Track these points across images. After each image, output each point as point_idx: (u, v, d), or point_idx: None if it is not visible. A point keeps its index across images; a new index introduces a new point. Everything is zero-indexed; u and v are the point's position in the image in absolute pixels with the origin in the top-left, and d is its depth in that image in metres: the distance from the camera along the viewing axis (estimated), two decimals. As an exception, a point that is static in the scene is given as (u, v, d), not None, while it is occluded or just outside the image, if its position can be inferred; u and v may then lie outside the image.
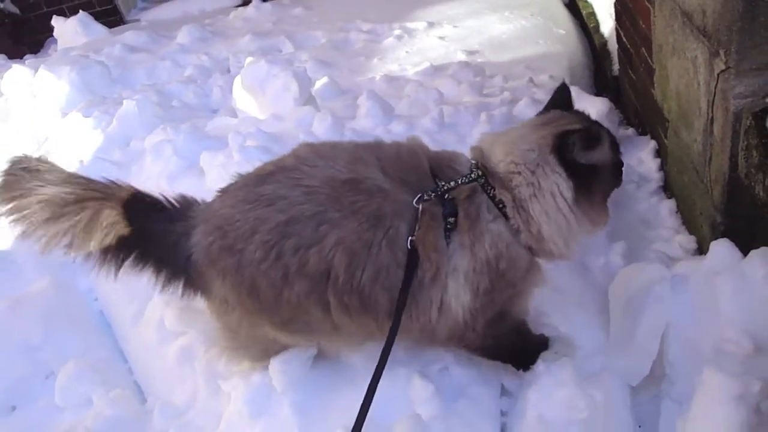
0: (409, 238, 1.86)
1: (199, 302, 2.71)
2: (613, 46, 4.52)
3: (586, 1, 5.69)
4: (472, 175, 1.97)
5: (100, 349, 2.92)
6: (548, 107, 2.19)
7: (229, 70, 5.25)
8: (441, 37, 5.16)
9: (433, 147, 2.18)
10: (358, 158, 1.98)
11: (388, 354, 1.82)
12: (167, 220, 2.08)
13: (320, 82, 4.32)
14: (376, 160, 1.97)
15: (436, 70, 4.49)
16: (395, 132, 3.43)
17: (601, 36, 5.00)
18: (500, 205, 1.94)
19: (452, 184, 1.94)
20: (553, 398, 2.06)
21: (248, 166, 3.08)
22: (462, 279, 1.92)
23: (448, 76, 4.25)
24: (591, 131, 1.97)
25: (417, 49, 5.03)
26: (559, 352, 2.18)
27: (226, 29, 6.24)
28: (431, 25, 5.40)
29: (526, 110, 3.63)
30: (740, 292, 2.00)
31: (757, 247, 2.12)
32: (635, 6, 3.53)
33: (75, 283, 3.34)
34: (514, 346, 2.20)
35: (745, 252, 2.15)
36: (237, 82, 4.08)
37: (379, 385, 2.15)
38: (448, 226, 1.90)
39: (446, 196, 1.92)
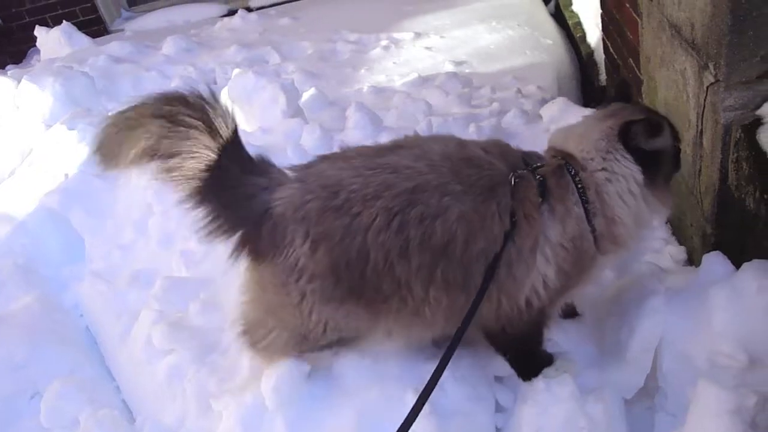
0: (510, 206, 1.92)
1: (190, 318, 2.71)
2: (599, 56, 4.55)
3: (572, 11, 5.72)
4: (554, 158, 2.08)
5: (86, 368, 2.88)
6: (609, 101, 2.25)
7: (215, 82, 5.22)
8: (428, 48, 5.17)
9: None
10: (464, 143, 2.07)
11: (473, 315, 1.84)
12: (243, 169, 1.97)
13: (308, 94, 4.29)
14: (476, 145, 2.07)
15: (424, 80, 4.49)
16: (385, 144, 3.43)
17: (588, 46, 5.03)
18: (579, 186, 2.01)
19: (538, 163, 2.04)
20: (550, 414, 2.05)
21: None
22: (549, 252, 1.98)
23: (436, 87, 4.26)
24: (653, 121, 2.05)
25: (404, 60, 5.04)
26: (560, 368, 2.17)
27: (212, 40, 6.21)
28: (418, 35, 5.41)
29: (515, 121, 3.64)
30: (733, 304, 2.00)
31: (748, 259, 2.12)
32: (622, 17, 3.55)
33: (60, 298, 3.31)
34: (530, 347, 2.22)
35: (736, 263, 2.16)
36: (224, 93, 4.05)
37: (372, 401, 2.13)
38: (540, 201, 1.98)
39: (536, 176, 2.00)
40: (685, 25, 2.35)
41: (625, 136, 2.01)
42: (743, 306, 1.99)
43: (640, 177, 2.02)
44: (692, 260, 2.81)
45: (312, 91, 4.32)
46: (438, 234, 1.86)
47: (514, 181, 1.94)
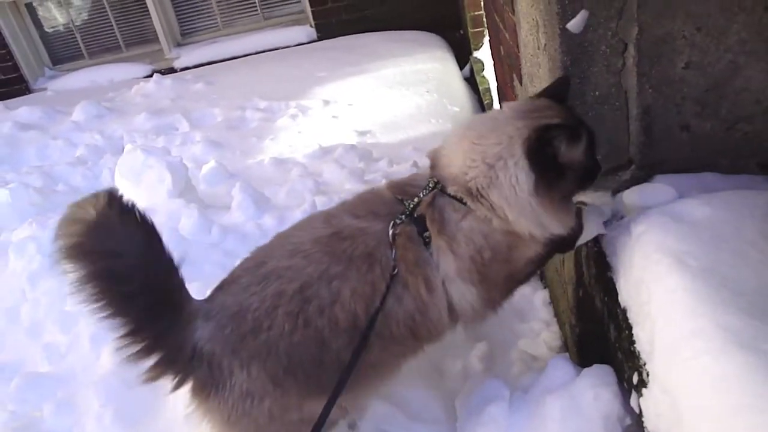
0: (392, 263, 1.92)
1: (44, 420, 2.56)
2: (504, 125, 4.55)
3: (484, 77, 5.78)
4: (429, 185, 2.02)
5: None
6: (540, 95, 2.07)
7: (122, 150, 5.12)
8: (335, 116, 5.11)
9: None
10: (328, 216, 2.07)
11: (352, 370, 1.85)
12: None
13: (207, 167, 4.22)
14: (344, 212, 2.06)
15: (324, 152, 4.43)
16: (266, 226, 3.38)
17: (494, 114, 5.04)
18: (462, 201, 1.95)
19: (415, 200, 2.00)
20: None
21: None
22: (460, 281, 1.97)
23: (334, 160, 4.20)
24: (573, 130, 1.91)
25: (310, 129, 4.97)
26: None
27: (125, 105, 6.11)
28: (327, 102, 5.37)
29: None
30: (568, 415, 1.91)
31: (603, 358, 2.07)
32: (507, 96, 3.60)
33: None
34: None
35: (595, 360, 2.08)
36: (117, 169, 3.97)
37: None
38: (427, 240, 1.95)
39: (415, 214, 1.97)
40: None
41: (538, 142, 1.86)
42: (577, 417, 1.90)
43: (528, 187, 1.88)
44: (567, 346, 2.78)
45: (212, 163, 4.26)
46: (341, 317, 1.90)
47: (393, 236, 1.94)
